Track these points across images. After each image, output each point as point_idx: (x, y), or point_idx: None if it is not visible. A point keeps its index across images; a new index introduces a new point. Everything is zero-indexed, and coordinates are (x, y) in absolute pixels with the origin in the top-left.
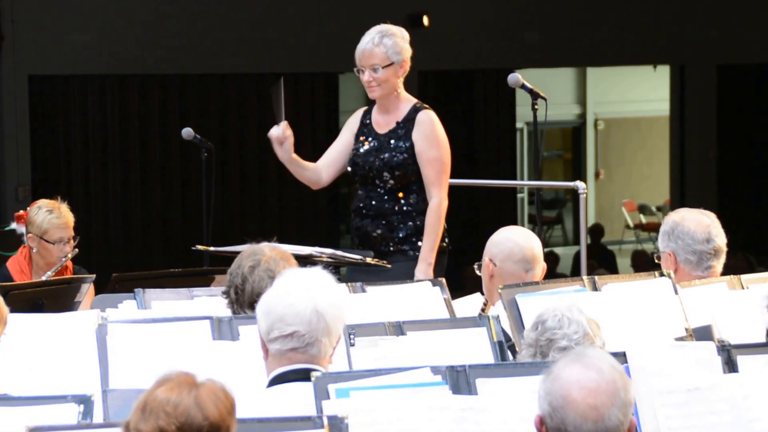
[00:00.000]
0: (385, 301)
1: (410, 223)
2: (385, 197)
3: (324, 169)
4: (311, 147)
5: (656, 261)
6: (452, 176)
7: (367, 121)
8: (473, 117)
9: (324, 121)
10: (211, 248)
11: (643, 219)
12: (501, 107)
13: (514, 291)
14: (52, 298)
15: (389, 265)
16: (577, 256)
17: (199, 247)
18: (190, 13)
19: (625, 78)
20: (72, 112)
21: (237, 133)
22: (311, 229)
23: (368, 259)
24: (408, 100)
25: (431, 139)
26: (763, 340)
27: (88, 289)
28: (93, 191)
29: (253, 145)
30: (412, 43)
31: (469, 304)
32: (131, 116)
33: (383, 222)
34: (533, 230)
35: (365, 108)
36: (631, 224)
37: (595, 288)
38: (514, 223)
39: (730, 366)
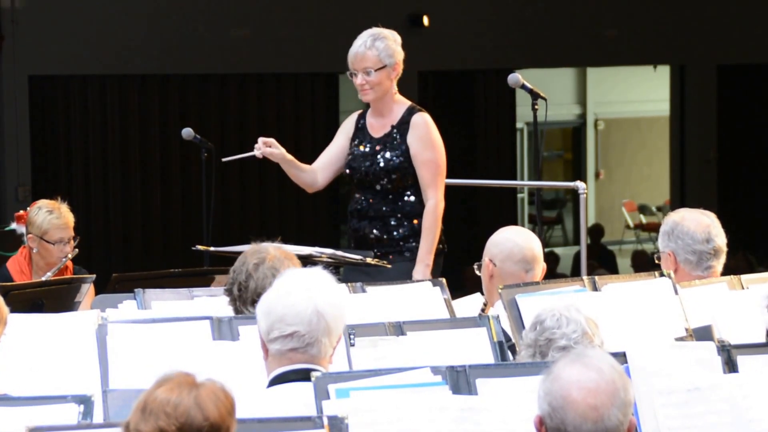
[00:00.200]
0: (385, 301)
1: (407, 225)
2: (382, 199)
3: (319, 171)
4: (311, 147)
5: (656, 261)
6: (452, 176)
7: (362, 125)
8: (473, 117)
9: (324, 121)
10: (211, 248)
11: (643, 219)
12: (501, 107)
13: (514, 291)
14: (52, 298)
15: (389, 266)
16: (577, 256)
17: (199, 247)
18: (191, 13)
19: (625, 78)
20: (72, 113)
21: (237, 133)
22: (311, 230)
23: (368, 260)
24: (402, 103)
25: (426, 141)
26: (763, 340)
27: (88, 290)
28: (93, 191)
29: (253, 145)
30: (412, 44)
31: (469, 304)
32: (131, 116)
33: (380, 224)
34: (533, 230)
35: (359, 111)
36: (631, 224)
37: (595, 288)
38: (514, 223)
39: (730, 366)
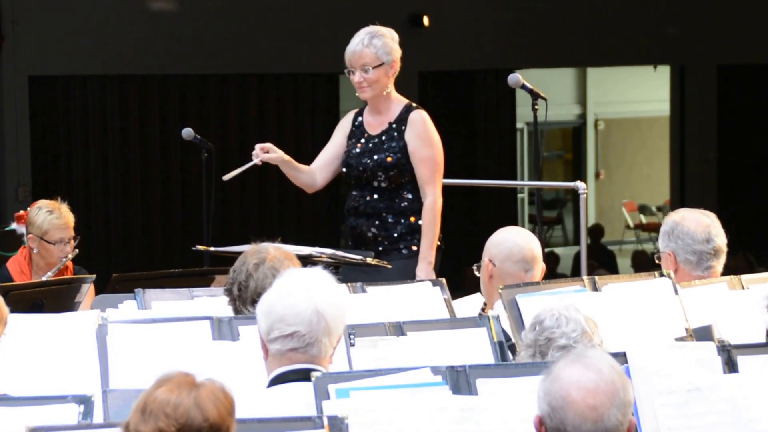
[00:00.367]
0: (385, 301)
1: (405, 223)
2: (380, 197)
3: (318, 171)
4: (311, 147)
5: (656, 261)
6: (452, 177)
7: (359, 123)
8: (473, 117)
9: (324, 121)
10: (211, 248)
11: (644, 219)
12: (501, 107)
13: (515, 291)
14: (52, 298)
15: (389, 266)
16: (577, 256)
17: (199, 247)
18: (191, 13)
19: (625, 78)
20: (72, 113)
21: (237, 133)
22: (311, 230)
23: (369, 260)
24: (399, 101)
25: (424, 139)
26: (763, 340)
27: (88, 290)
28: (93, 191)
29: (253, 146)
30: (412, 44)
31: (469, 305)
32: (131, 116)
33: (378, 221)
34: (533, 230)
35: (356, 110)
36: (631, 224)
37: (595, 288)
38: (515, 223)
39: (730, 366)
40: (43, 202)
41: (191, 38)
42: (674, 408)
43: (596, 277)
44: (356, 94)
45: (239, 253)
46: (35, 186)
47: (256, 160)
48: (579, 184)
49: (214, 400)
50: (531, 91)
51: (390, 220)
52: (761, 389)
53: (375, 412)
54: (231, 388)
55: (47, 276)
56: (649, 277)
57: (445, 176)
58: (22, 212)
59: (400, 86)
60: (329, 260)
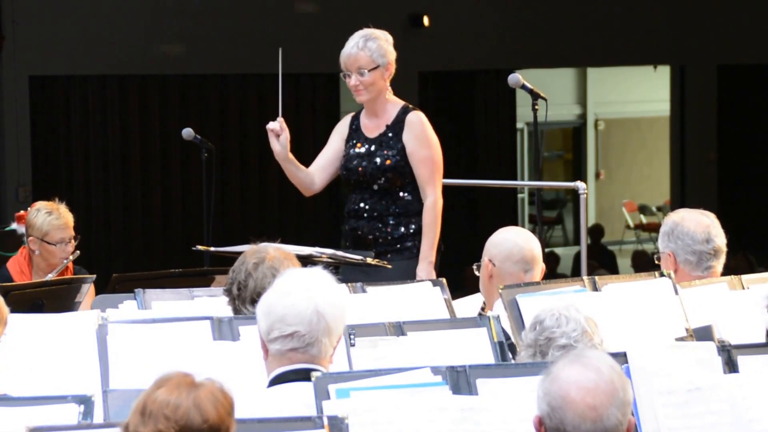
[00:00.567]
0: (385, 301)
1: (405, 224)
2: (380, 199)
3: (316, 174)
4: (312, 147)
5: (656, 261)
6: (452, 177)
7: (356, 126)
8: (473, 117)
9: (325, 122)
10: (212, 248)
11: (644, 219)
12: (501, 108)
13: (515, 291)
14: (52, 298)
15: (390, 266)
16: (577, 256)
17: (200, 247)
18: (191, 13)
19: (625, 78)
20: (72, 113)
21: (237, 133)
22: (311, 230)
23: (369, 260)
24: (396, 103)
25: (422, 139)
26: (763, 340)
27: (88, 290)
28: (93, 191)
29: (253, 146)
30: (413, 44)
31: (469, 305)
32: (132, 117)
33: (378, 223)
34: (533, 230)
35: (352, 114)
36: (631, 224)
37: (595, 288)
38: (515, 223)
39: (731, 366)
40: (41, 204)
41: (192, 39)
42: (674, 408)
43: (596, 277)
44: (356, 99)
45: (239, 253)
46: (35, 186)
47: (274, 124)
48: (579, 184)
49: (214, 401)
50: (531, 91)
51: (390, 221)
52: (761, 389)
53: (375, 412)
54: (230, 388)
55: (49, 278)
56: (649, 277)
57: (445, 176)
58: (22, 212)
59: (400, 87)
60: (329, 260)
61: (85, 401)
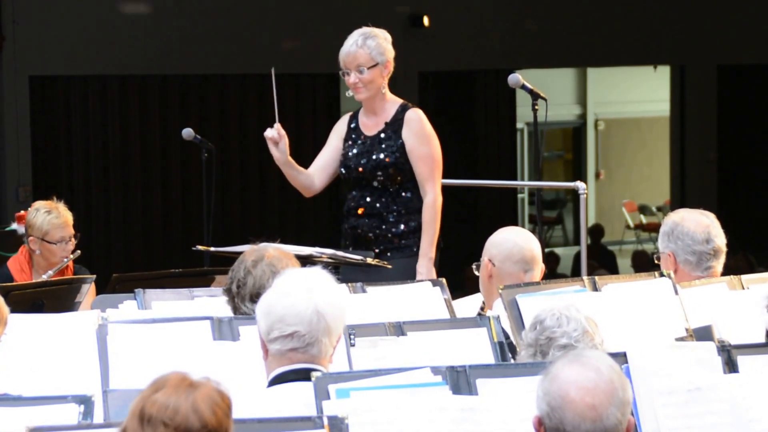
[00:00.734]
0: (385, 301)
1: (405, 221)
2: (379, 197)
3: (316, 174)
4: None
5: (656, 262)
6: (453, 177)
7: (354, 125)
8: (473, 117)
9: (325, 122)
10: (212, 248)
11: (644, 219)
12: (501, 108)
13: (515, 291)
14: (52, 298)
15: (390, 266)
16: (577, 256)
17: (200, 247)
18: (191, 13)
19: (625, 78)
20: (73, 113)
21: (237, 133)
22: (312, 230)
23: (369, 260)
24: (394, 101)
25: (421, 137)
26: (763, 340)
27: (88, 290)
28: (94, 191)
29: (253, 146)
30: (413, 44)
31: (469, 305)
32: (132, 117)
33: (378, 221)
34: (533, 230)
35: (350, 113)
36: (631, 224)
37: (595, 288)
38: (515, 223)
39: (730, 366)
40: (40, 204)
41: (192, 39)
42: (674, 408)
43: (596, 278)
44: (355, 97)
45: (239, 253)
46: (36, 186)
47: (269, 131)
48: (579, 184)
49: (211, 404)
50: (531, 92)
51: (390, 219)
52: (761, 389)
53: (375, 412)
54: (228, 388)
55: (48, 274)
56: (649, 278)
57: (445, 176)
58: (22, 212)
59: (400, 86)
60: (329, 260)
61: (85, 401)
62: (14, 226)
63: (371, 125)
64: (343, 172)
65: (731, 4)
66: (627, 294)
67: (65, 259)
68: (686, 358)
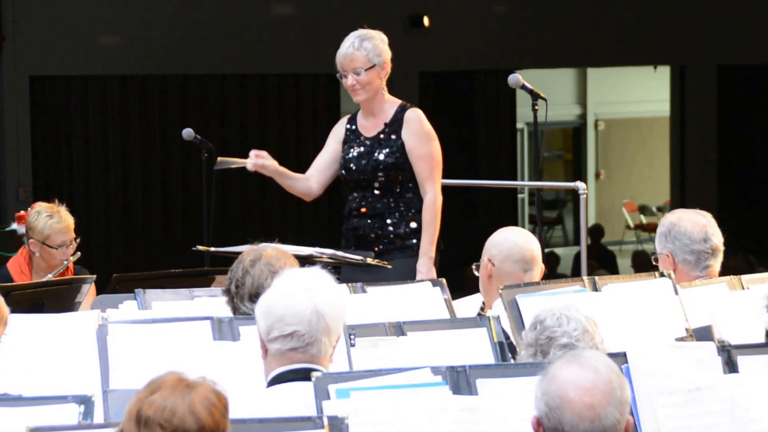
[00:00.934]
0: (385, 301)
1: (406, 221)
2: (380, 197)
3: (314, 178)
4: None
5: (654, 263)
6: (453, 177)
7: (353, 127)
8: (473, 118)
9: (325, 122)
10: (212, 249)
11: (644, 219)
12: (501, 108)
13: (515, 291)
14: (52, 298)
15: (390, 266)
16: (577, 256)
17: (200, 247)
18: (191, 13)
19: (625, 78)
20: (73, 113)
21: (237, 133)
22: (312, 230)
23: (369, 260)
24: (393, 102)
25: (421, 136)
26: (763, 340)
27: (88, 290)
28: (94, 192)
29: (253, 146)
30: (413, 44)
31: (469, 305)
32: (132, 117)
33: (379, 222)
34: (533, 230)
35: (348, 116)
36: (631, 225)
37: (595, 288)
38: (515, 223)
39: (730, 366)
40: (41, 206)
41: (192, 39)
42: (674, 408)
43: (596, 278)
44: (353, 99)
45: (239, 253)
46: (36, 186)
47: (248, 163)
48: (579, 185)
49: (208, 405)
50: (531, 92)
51: (392, 220)
52: (761, 389)
53: (375, 413)
54: (224, 387)
55: (48, 278)
56: (649, 278)
57: (445, 176)
58: (22, 212)
59: (400, 86)
60: (329, 260)
61: (85, 401)
62: (14, 226)
63: (370, 126)
64: (344, 174)
65: (731, 4)
66: (627, 294)
67: (65, 262)
68: (686, 358)
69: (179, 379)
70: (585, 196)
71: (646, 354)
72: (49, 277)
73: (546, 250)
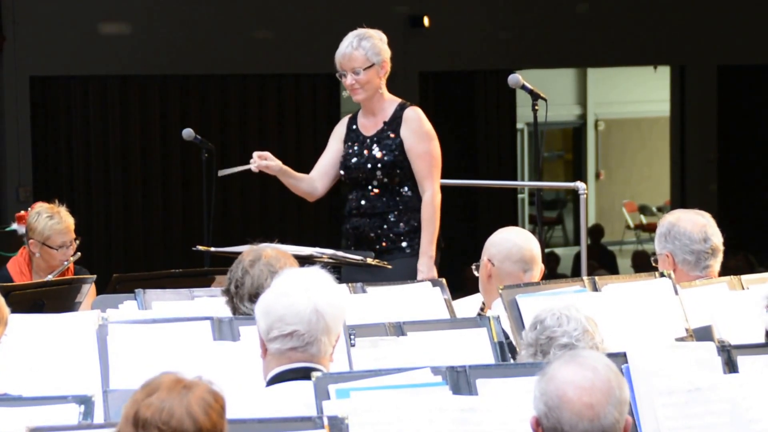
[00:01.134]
0: (385, 301)
1: (406, 220)
2: (379, 196)
3: (317, 179)
4: (312, 148)
5: (653, 264)
6: (453, 177)
7: (354, 127)
8: (473, 118)
9: (325, 122)
10: (212, 249)
11: (644, 219)
12: (501, 108)
13: (515, 291)
14: (52, 298)
15: (390, 266)
16: (577, 256)
17: (200, 247)
18: (191, 13)
19: (625, 79)
20: (73, 113)
21: (237, 133)
22: (312, 230)
23: (369, 260)
24: (392, 100)
25: (420, 134)
26: (763, 340)
27: (88, 290)
28: (94, 192)
29: (253, 146)
30: (413, 44)
31: (469, 305)
32: (132, 117)
33: (379, 221)
34: (534, 231)
35: (350, 115)
36: (631, 225)
37: (595, 288)
38: (515, 223)
39: (730, 366)
40: (42, 207)
41: (192, 39)
42: (674, 408)
43: (596, 278)
44: (353, 99)
45: (239, 253)
46: (36, 186)
47: (252, 166)
48: (579, 185)
49: (205, 406)
50: (531, 92)
51: (391, 218)
52: (761, 389)
53: (375, 413)
54: (221, 387)
55: (48, 278)
56: (650, 278)
57: (445, 176)
58: (22, 212)
59: (400, 86)
60: (329, 261)
61: (85, 401)
62: (14, 226)
63: (370, 126)
64: (343, 173)
65: (731, 4)
66: (627, 294)
67: (65, 263)
68: (686, 359)
69: (176, 380)
70: (585, 196)
71: (646, 354)
72: (50, 277)
73: (546, 251)
